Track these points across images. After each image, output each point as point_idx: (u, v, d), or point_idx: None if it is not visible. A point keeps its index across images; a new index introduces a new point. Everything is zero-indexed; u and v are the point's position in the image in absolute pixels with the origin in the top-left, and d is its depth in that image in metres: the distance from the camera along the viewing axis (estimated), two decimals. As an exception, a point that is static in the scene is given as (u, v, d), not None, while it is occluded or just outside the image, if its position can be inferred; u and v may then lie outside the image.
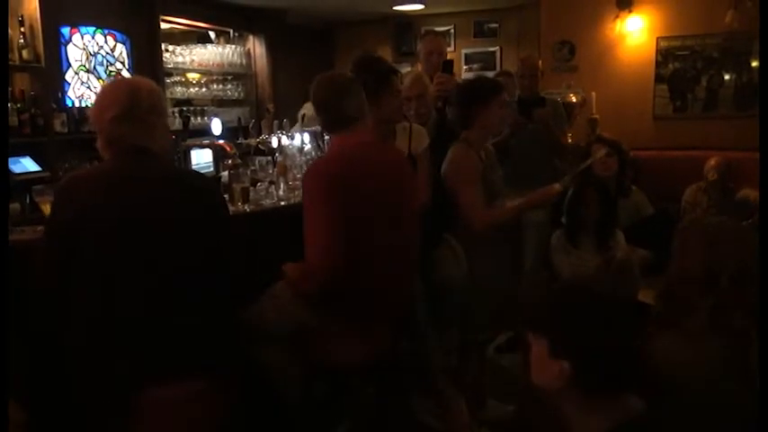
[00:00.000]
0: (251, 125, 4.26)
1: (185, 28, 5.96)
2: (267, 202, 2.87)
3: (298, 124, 4.04)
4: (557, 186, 2.71)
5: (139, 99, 1.83)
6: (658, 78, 5.28)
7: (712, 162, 4.34)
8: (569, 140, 4.38)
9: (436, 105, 3.15)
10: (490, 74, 5.10)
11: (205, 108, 5.84)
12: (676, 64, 5.23)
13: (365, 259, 2.10)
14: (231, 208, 2.65)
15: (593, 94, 5.18)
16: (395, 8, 6.58)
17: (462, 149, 2.69)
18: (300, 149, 3.42)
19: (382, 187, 2.15)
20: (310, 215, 2.07)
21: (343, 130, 2.19)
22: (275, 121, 4.14)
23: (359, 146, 2.17)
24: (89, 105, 4.53)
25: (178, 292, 1.75)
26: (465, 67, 6.70)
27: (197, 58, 5.87)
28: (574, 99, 5.13)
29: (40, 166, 4.09)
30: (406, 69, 3.86)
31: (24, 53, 4.19)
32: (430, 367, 2.77)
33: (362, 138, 2.19)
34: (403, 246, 2.23)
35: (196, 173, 2.47)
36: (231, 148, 3.33)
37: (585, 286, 1.37)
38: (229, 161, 3.05)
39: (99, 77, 4.80)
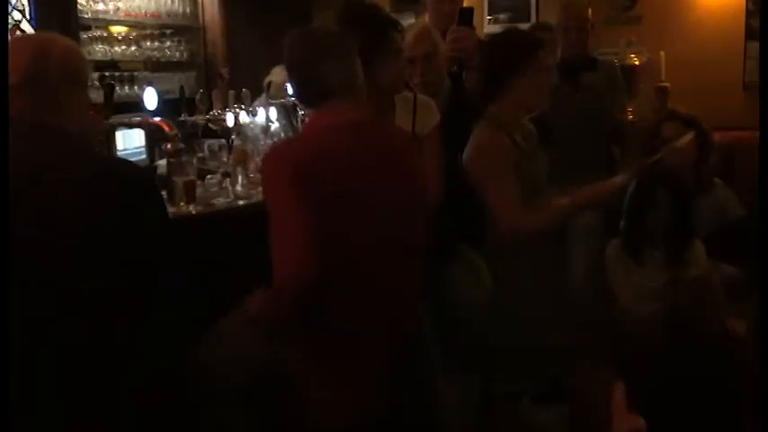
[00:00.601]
0: (198, 97, 4.26)
1: (108, -35, 5.96)
2: (220, 201, 2.88)
3: (262, 96, 4.06)
4: (617, 180, 2.71)
5: (48, 63, 1.85)
6: (751, 32, 5.30)
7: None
8: (630, 117, 4.39)
9: (450, 70, 3.16)
10: (523, 27, 5.12)
11: (135, 73, 5.82)
12: (774, 13, 5.26)
13: (350, 269, 2.11)
14: (171, 209, 2.66)
15: (662, 54, 5.19)
16: (393, -62, 6.58)
17: (489, 131, 2.70)
18: (265, 129, 3.44)
19: (370, 179, 2.15)
20: (276, 211, 2.09)
21: (323, 104, 2.20)
22: (231, 92, 4.15)
23: (342, 125, 2.17)
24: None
25: (82, 328, 1.76)
26: (488, 18, 6.70)
27: (123, 6, 5.85)
28: (636, 61, 5.13)
29: None
30: (409, 22, 3.88)
31: None
32: (442, 425, 2.77)
33: (348, 114, 2.19)
34: (401, 249, 2.22)
35: (123, 160, 2.48)
36: (171, 128, 3.33)
37: (666, 322, 1.38)
38: (169, 145, 3.05)
39: (-10, 32, 4.80)
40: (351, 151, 2.16)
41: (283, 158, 2.14)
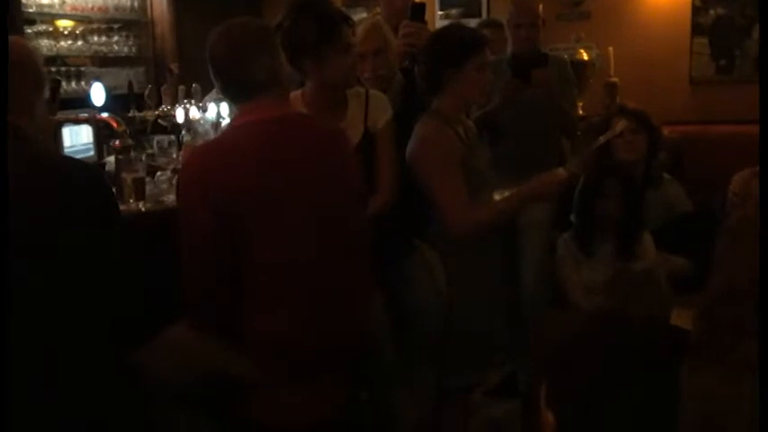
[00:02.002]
0: (147, 92, 4.21)
1: (53, -43, 5.84)
2: (170, 199, 2.84)
3: (213, 91, 4.01)
4: (561, 171, 2.73)
5: (7, 62, 1.83)
6: (696, 29, 5.40)
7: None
8: (580, 112, 4.44)
9: (402, 65, 3.16)
10: (474, 23, 5.14)
11: (82, 69, 5.74)
12: (719, 10, 5.35)
13: (278, 286, 2.10)
14: (121, 206, 2.62)
15: (611, 50, 5.26)
16: (344, -68, 6.56)
17: (434, 124, 2.71)
18: (216, 125, 3.40)
19: (296, 175, 2.13)
20: (182, 229, 2.10)
21: (250, 100, 2.18)
22: (181, 87, 4.10)
23: (266, 120, 2.15)
24: None
25: (42, 335, 1.73)
26: (440, 14, 6.73)
27: (70, 0, 5.76)
28: (585, 57, 5.20)
29: None
30: (360, 17, 3.87)
31: None
32: (398, 421, 2.78)
33: (274, 109, 2.17)
34: (339, 261, 2.21)
35: (77, 160, 2.44)
36: (119, 124, 3.28)
37: (612, 314, 1.39)
38: (117, 142, 3.01)
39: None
40: (274, 146, 2.14)
41: (191, 168, 2.16)
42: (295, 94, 2.65)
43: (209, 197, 2.04)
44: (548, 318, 3.16)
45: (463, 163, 2.67)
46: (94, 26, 6.04)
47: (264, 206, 2.08)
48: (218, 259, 2.07)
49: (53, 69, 5.36)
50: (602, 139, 3.04)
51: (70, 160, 2.45)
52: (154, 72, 6.27)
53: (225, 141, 2.28)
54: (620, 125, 3.39)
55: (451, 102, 2.73)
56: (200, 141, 3.18)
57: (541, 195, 2.80)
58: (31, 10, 5.44)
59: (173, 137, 3.38)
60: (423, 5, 3.39)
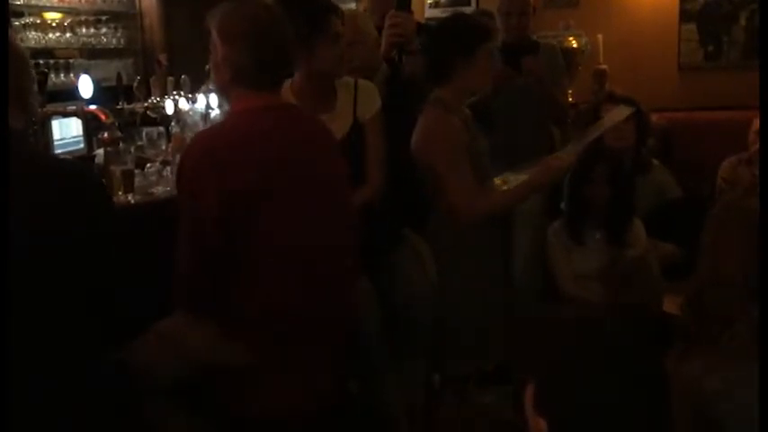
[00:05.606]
0: (136, 84, 4.20)
1: (40, -51, 5.81)
2: (160, 190, 2.84)
3: (207, 83, 3.99)
4: (562, 155, 2.72)
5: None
6: (684, 15, 5.38)
7: (758, 124, 4.42)
8: (570, 99, 4.43)
9: (389, 55, 3.14)
10: (465, 12, 5.13)
11: (71, 61, 5.71)
12: (707, -4, 5.35)
13: (272, 273, 2.10)
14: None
15: (600, 37, 5.26)
16: None
17: (439, 113, 2.70)
18: (205, 116, 3.39)
19: (299, 167, 2.14)
20: (183, 215, 2.08)
21: (264, 84, 2.13)
22: (170, 79, 4.09)
23: (270, 109, 2.14)
24: None
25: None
26: (429, 2, 6.72)
27: (58, -8, 5.74)
28: (574, 44, 5.19)
29: None
30: (350, 6, 3.85)
31: None
32: (388, 411, 2.78)
33: (272, 100, 2.16)
34: (330, 248, 2.21)
35: (68, 161, 2.43)
36: (108, 116, 3.27)
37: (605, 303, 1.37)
38: (105, 134, 2.99)
39: None
40: (281, 132, 2.14)
41: (211, 141, 2.13)
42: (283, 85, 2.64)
43: (214, 177, 2.02)
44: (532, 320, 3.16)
45: (469, 150, 2.67)
46: (82, 18, 6.02)
47: (268, 188, 2.07)
48: (217, 237, 2.04)
49: (41, 62, 5.34)
50: (606, 124, 3.00)
51: (61, 161, 2.43)
52: (143, 64, 6.26)
53: (229, 125, 2.25)
54: (623, 111, 3.26)
55: (457, 90, 2.73)
56: (189, 133, 3.16)
57: (548, 182, 2.79)
58: (18, 2, 5.42)
59: (162, 128, 3.36)
60: (410, -5, 3.37)
